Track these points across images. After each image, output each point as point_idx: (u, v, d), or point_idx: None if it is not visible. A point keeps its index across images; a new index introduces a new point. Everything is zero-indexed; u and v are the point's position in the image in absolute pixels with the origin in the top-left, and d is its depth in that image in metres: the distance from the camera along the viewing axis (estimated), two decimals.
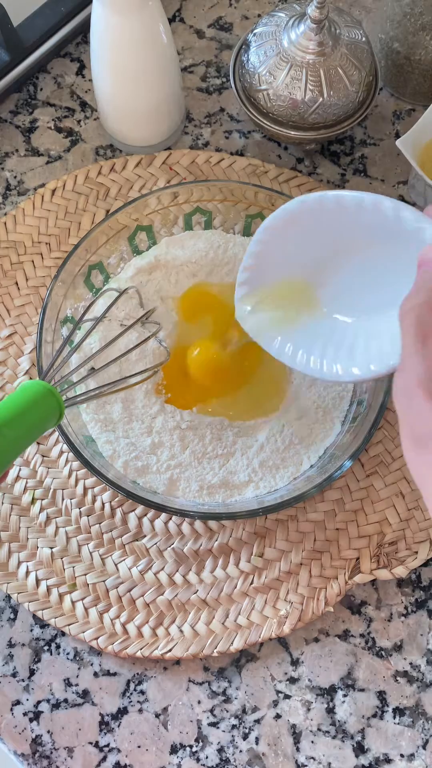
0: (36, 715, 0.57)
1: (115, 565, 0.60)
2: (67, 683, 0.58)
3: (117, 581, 0.60)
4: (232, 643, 0.58)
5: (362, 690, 0.58)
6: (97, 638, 0.58)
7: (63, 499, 0.62)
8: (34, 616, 0.59)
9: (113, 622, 0.58)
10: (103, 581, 0.60)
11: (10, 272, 0.68)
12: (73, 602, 0.59)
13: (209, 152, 0.72)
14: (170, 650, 0.58)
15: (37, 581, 0.59)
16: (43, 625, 0.59)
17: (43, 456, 0.63)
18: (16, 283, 0.68)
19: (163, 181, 0.71)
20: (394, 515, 0.61)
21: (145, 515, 0.61)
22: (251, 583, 0.59)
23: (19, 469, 0.62)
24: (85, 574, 0.60)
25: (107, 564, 0.60)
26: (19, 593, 0.59)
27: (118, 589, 0.59)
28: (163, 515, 0.60)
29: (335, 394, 0.62)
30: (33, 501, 0.61)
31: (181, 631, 0.58)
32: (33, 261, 0.69)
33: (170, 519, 0.61)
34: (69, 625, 0.58)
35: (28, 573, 0.60)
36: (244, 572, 0.60)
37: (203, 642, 0.58)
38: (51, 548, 0.60)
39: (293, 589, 0.59)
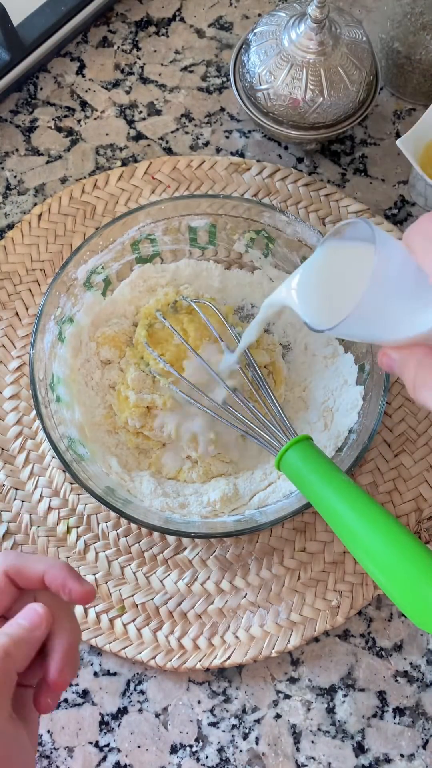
0: None
1: (161, 581, 0.60)
2: None
3: (165, 597, 0.59)
4: (289, 641, 0.58)
5: (362, 690, 0.58)
6: (154, 657, 0.58)
7: (98, 524, 0.61)
8: None
9: (168, 638, 0.58)
10: (152, 599, 0.59)
11: (8, 304, 0.67)
12: (124, 625, 0.59)
13: (189, 157, 0.71)
14: (229, 657, 0.57)
15: (85, 610, 0.59)
16: None
17: (72, 483, 0.62)
18: (17, 314, 0.67)
19: (148, 191, 0.70)
20: (428, 490, 0.62)
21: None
22: (298, 579, 0.60)
23: (50, 500, 0.62)
24: (132, 595, 0.59)
25: (152, 582, 0.60)
26: None
27: (167, 605, 0.59)
28: None
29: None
30: (68, 530, 0.61)
31: (237, 637, 0.58)
32: (30, 289, 0.68)
33: None
34: (124, 648, 0.58)
35: None
36: (290, 569, 0.60)
37: (260, 644, 0.58)
38: (94, 574, 0.60)
39: (340, 578, 0.59)
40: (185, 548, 0.60)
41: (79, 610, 0.58)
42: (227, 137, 0.74)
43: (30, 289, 0.68)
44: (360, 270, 0.43)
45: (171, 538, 0.60)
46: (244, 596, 0.59)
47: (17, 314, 0.67)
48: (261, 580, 0.60)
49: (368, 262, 0.41)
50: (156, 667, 0.58)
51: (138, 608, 0.59)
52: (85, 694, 0.58)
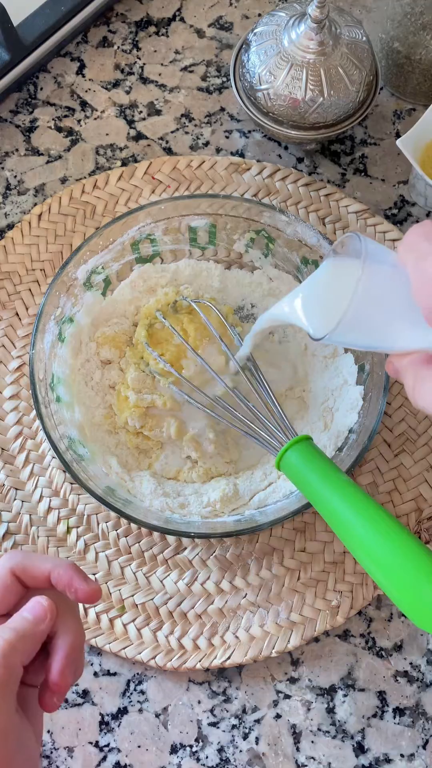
0: None
1: (161, 581, 0.60)
2: None
3: (165, 597, 0.59)
4: (288, 641, 0.58)
5: (362, 690, 0.58)
6: (154, 657, 0.58)
7: (98, 524, 0.61)
8: None
9: (168, 638, 0.58)
10: (152, 599, 0.59)
11: (8, 304, 0.67)
12: (124, 625, 0.59)
13: (189, 157, 0.71)
14: (229, 657, 0.57)
15: (85, 610, 0.59)
16: None
17: (72, 483, 0.62)
18: (17, 314, 0.67)
19: (148, 191, 0.70)
20: (428, 490, 0.62)
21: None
22: (298, 579, 0.60)
23: (50, 500, 0.62)
24: (132, 595, 0.59)
25: (152, 582, 0.60)
26: None
27: (167, 605, 0.59)
28: None
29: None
30: (68, 530, 0.61)
31: (237, 637, 0.58)
32: (30, 289, 0.68)
33: None
34: (124, 648, 0.58)
35: None
36: (290, 569, 0.60)
37: (260, 644, 0.58)
38: (94, 574, 0.60)
39: (340, 578, 0.59)
40: (185, 548, 0.60)
41: (79, 609, 0.58)
42: (227, 137, 0.74)
43: (30, 289, 0.68)
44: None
45: (171, 539, 0.60)
46: (244, 596, 0.59)
47: (17, 314, 0.67)
48: (261, 580, 0.60)
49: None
50: (156, 667, 0.58)
51: (138, 608, 0.59)
52: (85, 694, 0.58)
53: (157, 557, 0.60)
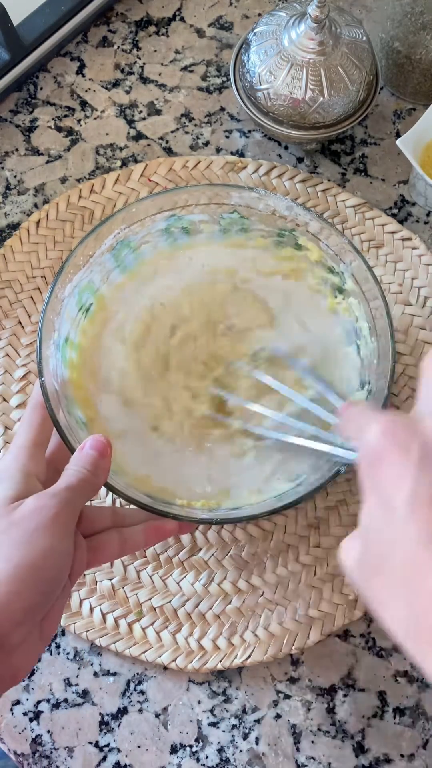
0: (36, 715, 0.57)
1: (177, 583, 0.60)
2: (67, 683, 0.58)
3: (183, 599, 0.59)
4: (308, 637, 0.58)
5: (362, 690, 0.58)
6: (175, 659, 0.58)
7: None
8: None
9: (187, 640, 0.58)
10: (169, 602, 0.59)
11: (11, 312, 0.67)
12: (143, 629, 0.58)
13: (185, 157, 0.71)
14: (249, 656, 0.58)
15: (103, 615, 0.59)
16: None
17: None
18: (20, 322, 0.67)
19: (144, 194, 0.70)
20: None
21: (197, 529, 0.60)
22: (315, 575, 0.60)
23: None
24: (150, 599, 0.59)
25: (169, 584, 0.60)
26: (87, 631, 0.58)
27: (185, 606, 0.59)
28: (214, 526, 0.60)
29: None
30: None
31: (256, 636, 0.58)
32: (32, 297, 0.67)
33: (222, 528, 0.60)
34: (144, 652, 0.58)
35: (92, 609, 0.59)
36: (306, 565, 0.60)
37: (280, 642, 0.58)
38: (110, 580, 0.60)
39: None
40: (200, 549, 0.60)
41: (97, 617, 0.59)
42: (227, 137, 0.74)
43: (32, 297, 0.67)
44: None
45: (185, 540, 0.60)
46: (262, 594, 0.59)
47: (20, 322, 0.67)
48: (277, 578, 0.60)
49: None
50: (177, 670, 0.58)
51: (156, 611, 0.59)
52: (85, 694, 0.58)
53: (173, 559, 0.60)
